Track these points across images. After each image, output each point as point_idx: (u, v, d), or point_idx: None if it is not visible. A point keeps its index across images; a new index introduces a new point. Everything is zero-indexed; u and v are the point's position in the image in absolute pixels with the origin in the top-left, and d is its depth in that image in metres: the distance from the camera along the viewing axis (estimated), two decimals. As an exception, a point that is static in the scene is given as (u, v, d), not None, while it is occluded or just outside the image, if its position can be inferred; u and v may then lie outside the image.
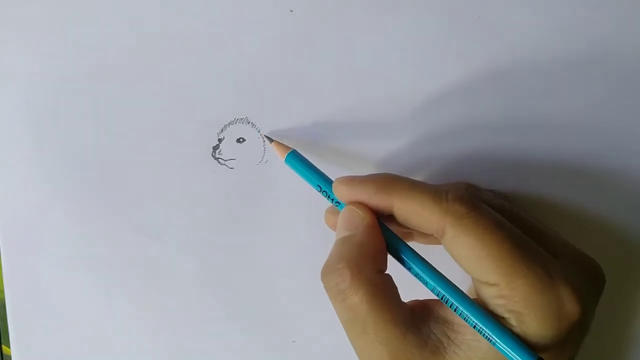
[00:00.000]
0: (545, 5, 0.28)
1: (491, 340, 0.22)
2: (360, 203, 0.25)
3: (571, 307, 0.21)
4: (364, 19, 0.29)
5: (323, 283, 0.24)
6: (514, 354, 0.21)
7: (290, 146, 0.28)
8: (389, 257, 0.25)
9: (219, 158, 0.30)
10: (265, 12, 0.29)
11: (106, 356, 0.33)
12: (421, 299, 0.25)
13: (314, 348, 0.32)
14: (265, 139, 0.29)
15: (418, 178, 0.29)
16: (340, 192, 0.25)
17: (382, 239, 0.24)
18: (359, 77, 0.29)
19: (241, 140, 0.30)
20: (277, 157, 0.28)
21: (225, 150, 0.30)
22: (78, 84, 0.30)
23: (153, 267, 0.32)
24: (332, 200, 0.26)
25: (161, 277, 0.32)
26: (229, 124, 0.30)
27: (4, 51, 0.30)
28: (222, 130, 0.30)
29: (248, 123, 0.30)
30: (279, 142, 0.28)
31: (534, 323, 0.21)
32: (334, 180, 0.26)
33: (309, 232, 0.31)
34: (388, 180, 0.24)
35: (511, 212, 0.25)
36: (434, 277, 0.23)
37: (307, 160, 0.27)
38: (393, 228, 0.25)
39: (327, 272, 0.24)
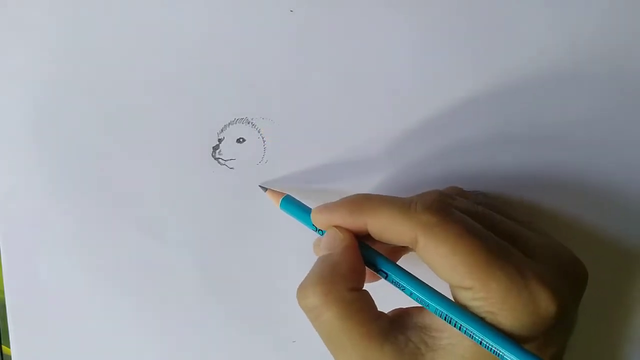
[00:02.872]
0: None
1: (474, 336, 0.22)
2: (341, 227, 0.25)
3: (548, 306, 0.22)
4: (364, 19, 0.29)
5: (298, 300, 0.24)
6: (497, 346, 0.21)
7: (283, 192, 0.29)
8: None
9: (219, 158, 0.30)
10: (265, 12, 0.29)
11: (106, 356, 0.33)
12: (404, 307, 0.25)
13: (314, 348, 0.32)
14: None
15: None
16: (318, 220, 0.26)
17: (359, 258, 0.25)
18: (359, 77, 0.29)
19: (241, 140, 0.30)
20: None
21: (225, 150, 0.30)
22: (78, 84, 0.30)
23: (153, 267, 0.32)
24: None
25: (161, 277, 0.32)
26: (229, 124, 0.30)
27: (5, 51, 0.30)
28: (222, 130, 0.30)
29: (248, 123, 0.30)
30: (272, 190, 0.29)
31: (509, 322, 0.22)
32: None
33: (309, 232, 0.31)
34: (357, 202, 0.25)
35: (486, 216, 0.25)
36: (411, 284, 0.24)
37: (300, 203, 0.28)
38: (378, 246, 0.26)
39: (301, 289, 0.24)
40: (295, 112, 0.30)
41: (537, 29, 0.29)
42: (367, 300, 0.24)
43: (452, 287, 0.23)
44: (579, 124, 0.29)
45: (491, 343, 0.22)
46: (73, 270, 0.32)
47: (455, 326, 0.22)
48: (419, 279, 0.24)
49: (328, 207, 0.26)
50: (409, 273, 0.24)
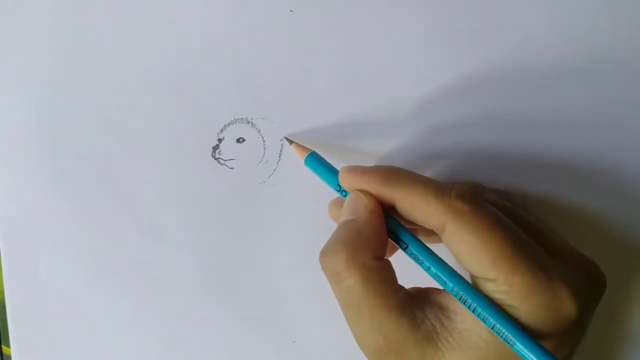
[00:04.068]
0: (553, 4, 0.28)
1: (487, 320, 0.22)
2: (366, 191, 0.25)
3: (569, 308, 0.22)
4: (364, 18, 0.29)
5: (321, 264, 0.24)
6: (509, 333, 0.21)
7: (309, 148, 0.28)
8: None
9: (219, 158, 0.30)
10: (265, 12, 0.29)
11: (106, 356, 0.33)
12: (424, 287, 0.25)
13: (314, 348, 0.32)
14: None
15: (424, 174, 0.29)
16: (346, 180, 0.26)
17: (383, 227, 0.24)
18: (359, 77, 0.29)
19: (241, 140, 0.30)
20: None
21: (225, 150, 0.30)
22: (78, 84, 0.30)
23: (153, 266, 0.32)
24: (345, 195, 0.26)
25: (161, 277, 0.32)
26: (229, 124, 0.30)
27: (5, 51, 0.30)
28: (222, 130, 0.30)
29: (248, 123, 0.30)
30: (298, 144, 0.29)
31: (530, 319, 0.22)
32: None
33: (309, 231, 0.31)
34: (392, 172, 0.25)
35: (514, 212, 0.25)
36: (430, 258, 0.24)
37: (325, 161, 0.28)
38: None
39: (325, 253, 0.24)
40: (295, 112, 0.30)
41: (539, 16, 0.29)
42: (389, 271, 0.24)
43: (475, 278, 0.23)
44: (581, 113, 0.29)
45: (503, 330, 0.21)
46: (73, 270, 0.32)
47: (469, 308, 0.22)
48: (438, 256, 0.24)
49: (359, 170, 0.25)
50: (429, 249, 0.24)
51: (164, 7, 0.29)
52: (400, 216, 0.25)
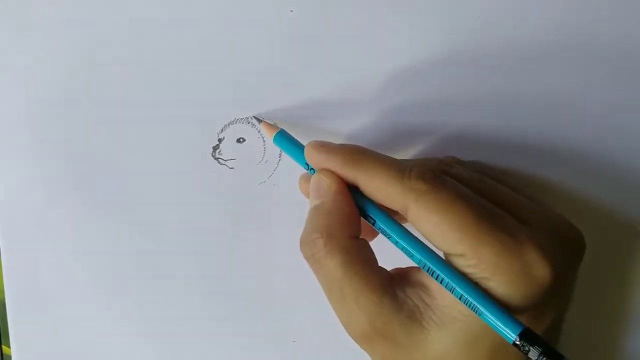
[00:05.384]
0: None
1: (464, 299, 0.22)
2: (329, 170, 0.25)
3: (541, 270, 0.21)
4: (364, 18, 0.29)
5: (302, 253, 0.24)
6: (480, 307, 0.21)
7: (278, 126, 0.28)
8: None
9: (219, 158, 0.30)
10: (265, 12, 0.29)
11: (106, 356, 0.33)
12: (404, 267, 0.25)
13: (314, 348, 0.32)
14: (253, 120, 0.30)
15: (406, 155, 0.29)
16: (311, 157, 0.26)
17: (352, 205, 0.24)
18: (360, 77, 0.29)
19: (241, 140, 0.30)
20: (276, 153, 0.29)
21: (225, 150, 0.30)
22: (78, 83, 0.30)
23: (153, 266, 0.32)
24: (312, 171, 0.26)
25: (161, 276, 0.32)
26: (229, 124, 0.30)
27: (4, 51, 0.30)
28: (222, 130, 0.30)
29: (248, 123, 0.30)
30: (267, 122, 0.29)
31: (504, 290, 0.21)
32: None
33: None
34: (355, 153, 0.24)
35: (480, 182, 0.25)
36: (401, 235, 0.24)
37: (294, 139, 0.28)
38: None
39: (303, 242, 0.24)
40: (295, 112, 0.30)
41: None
42: (367, 251, 0.24)
43: (447, 255, 0.23)
44: (576, 94, 0.29)
45: (471, 300, 0.21)
46: (73, 270, 0.32)
47: (437, 280, 0.22)
48: (407, 231, 0.24)
49: (324, 147, 0.25)
50: (398, 223, 0.24)
51: (164, 7, 0.29)
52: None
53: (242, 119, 0.30)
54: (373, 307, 0.23)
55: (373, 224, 0.25)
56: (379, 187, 0.23)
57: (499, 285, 0.21)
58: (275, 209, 0.31)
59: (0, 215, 0.31)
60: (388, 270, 0.25)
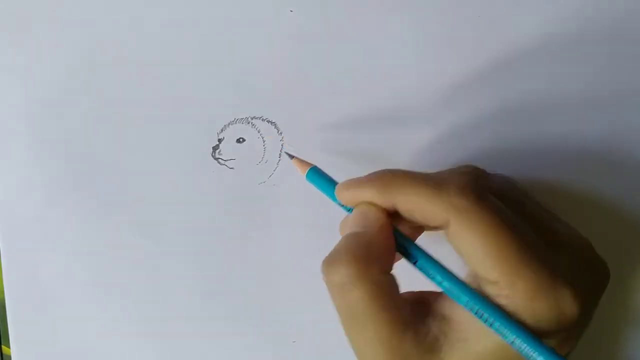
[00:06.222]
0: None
1: (504, 335, 0.21)
2: (372, 203, 0.24)
3: (571, 310, 0.21)
4: (364, 18, 0.29)
5: (324, 274, 0.23)
6: (522, 342, 0.21)
7: (310, 162, 0.28)
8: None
9: (219, 158, 0.30)
10: (265, 12, 0.29)
11: (106, 356, 0.33)
12: (417, 290, 0.25)
13: (314, 348, 0.32)
14: (253, 120, 0.29)
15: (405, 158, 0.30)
16: (344, 196, 0.25)
17: (392, 241, 0.24)
18: (360, 77, 0.29)
19: (241, 140, 0.30)
20: (296, 171, 0.28)
21: (225, 150, 0.30)
22: (78, 83, 0.30)
23: (153, 267, 0.32)
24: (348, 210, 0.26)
25: (161, 277, 0.32)
26: (229, 124, 0.30)
27: (4, 51, 0.30)
28: (222, 130, 0.30)
29: (248, 123, 0.30)
30: (299, 159, 0.28)
31: (532, 319, 0.21)
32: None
33: (309, 231, 0.31)
34: (387, 179, 0.24)
35: (518, 201, 0.24)
36: (445, 276, 0.23)
37: (326, 175, 0.27)
38: (403, 225, 0.25)
39: (330, 263, 0.23)
40: (296, 112, 0.30)
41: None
42: (394, 286, 0.24)
43: (477, 276, 0.23)
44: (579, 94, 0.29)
45: (522, 344, 0.21)
46: (73, 270, 0.32)
47: (486, 322, 0.22)
48: (449, 270, 0.23)
49: (354, 183, 0.25)
50: (439, 262, 0.23)
51: (164, 7, 0.29)
52: (403, 218, 0.24)
53: (242, 119, 0.30)
54: (395, 341, 0.22)
55: (414, 263, 0.24)
56: (417, 205, 0.23)
57: (529, 317, 0.21)
58: (275, 209, 0.31)
59: (0, 215, 0.31)
60: (404, 294, 0.24)
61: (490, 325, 0.22)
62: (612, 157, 0.30)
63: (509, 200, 0.24)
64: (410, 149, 0.30)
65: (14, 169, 0.31)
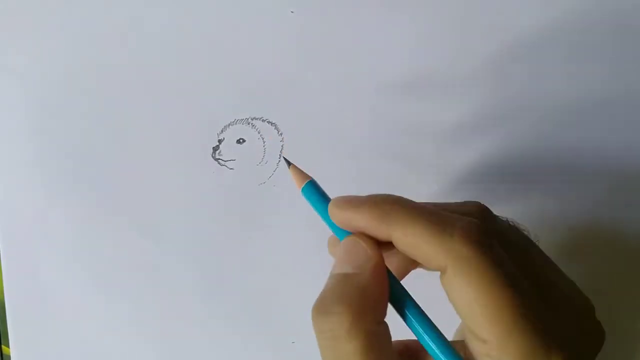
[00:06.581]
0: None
1: None
2: (365, 235, 0.22)
3: None
4: (364, 19, 0.29)
5: (314, 323, 0.21)
6: None
7: (309, 175, 0.24)
8: None
9: (219, 159, 0.30)
10: (266, 12, 0.29)
11: (106, 356, 0.33)
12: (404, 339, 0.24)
13: (314, 348, 0.32)
14: (253, 121, 0.29)
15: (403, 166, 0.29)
16: (337, 216, 0.23)
17: (386, 284, 0.22)
18: (360, 77, 0.29)
19: (241, 141, 0.30)
20: (295, 159, 0.25)
21: (226, 151, 0.30)
22: (78, 83, 0.30)
23: (153, 267, 0.32)
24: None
25: (161, 277, 0.32)
26: (229, 124, 0.30)
27: (4, 51, 0.30)
28: (222, 131, 0.30)
29: (248, 124, 0.30)
30: (297, 168, 0.25)
31: None
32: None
33: (309, 232, 0.31)
34: (387, 207, 0.21)
35: (523, 250, 0.23)
36: (437, 342, 0.21)
37: (322, 192, 0.24)
38: (396, 255, 0.23)
39: (322, 312, 0.21)
40: (296, 112, 0.30)
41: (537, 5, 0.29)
42: (388, 337, 0.22)
43: (468, 330, 0.21)
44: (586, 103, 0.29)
45: None
46: (73, 270, 0.32)
47: None
48: (442, 335, 0.21)
49: (349, 203, 0.22)
50: (433, 325, 0.21)
51: (164, 8, 0.29)
52: (399, 251, 0.22)
53: (242, 119, 0.30)
54: None
55: (404, 319, 0.22)
56: (415, 244, 0.21)
57: None
58: (275, 209, 0.31)
59: (0, 215, 0.31)
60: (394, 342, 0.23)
61: None
62: (612, 158, 0.30)
63: (513, 246, 0.22)
64: (411, 149, 0.30)
65: (14, 169, 0.31)
